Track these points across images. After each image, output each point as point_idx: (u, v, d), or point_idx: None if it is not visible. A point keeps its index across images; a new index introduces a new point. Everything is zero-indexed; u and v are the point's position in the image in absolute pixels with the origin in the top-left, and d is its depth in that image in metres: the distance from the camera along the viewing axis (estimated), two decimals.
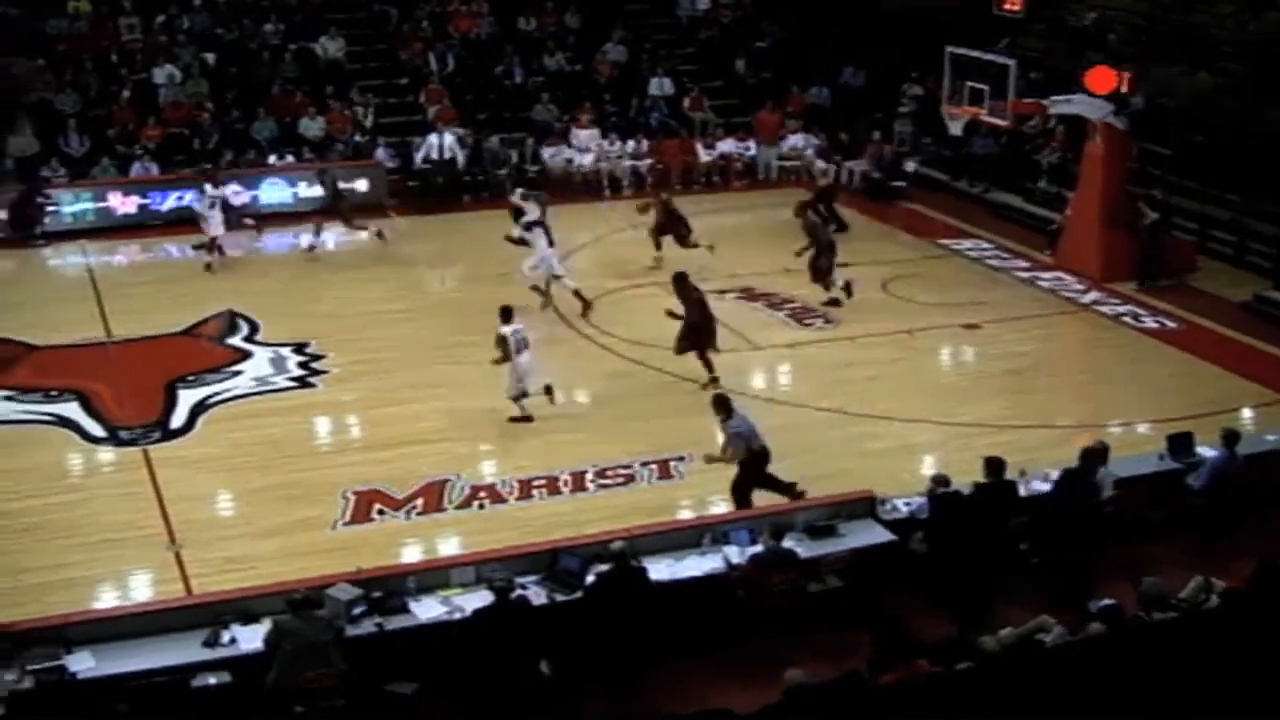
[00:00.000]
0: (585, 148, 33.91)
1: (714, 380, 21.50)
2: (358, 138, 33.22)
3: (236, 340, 23.88)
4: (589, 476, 19.05)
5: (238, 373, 22.61)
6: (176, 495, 18.65)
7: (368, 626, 14.10)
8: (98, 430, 20.67)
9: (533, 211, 25.86)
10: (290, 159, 32.33)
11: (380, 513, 18.07)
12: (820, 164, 32.00)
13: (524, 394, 20.83)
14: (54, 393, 21.79)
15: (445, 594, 14.69)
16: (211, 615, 14.23)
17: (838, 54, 37.52)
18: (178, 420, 21.00)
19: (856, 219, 31.50)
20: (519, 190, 27.63)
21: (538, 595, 14.65)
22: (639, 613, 14.41)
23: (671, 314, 22.12)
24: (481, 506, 18.43)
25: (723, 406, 17.69)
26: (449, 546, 17.45)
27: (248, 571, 16.27)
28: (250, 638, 13.81)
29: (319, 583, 14.42)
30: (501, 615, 13.93)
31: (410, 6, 37.08)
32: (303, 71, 34.73)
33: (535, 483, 18.89)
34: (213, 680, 13.47)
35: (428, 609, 14.45)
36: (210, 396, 21.73)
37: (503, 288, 24.61)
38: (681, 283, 22.24)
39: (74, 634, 13.96)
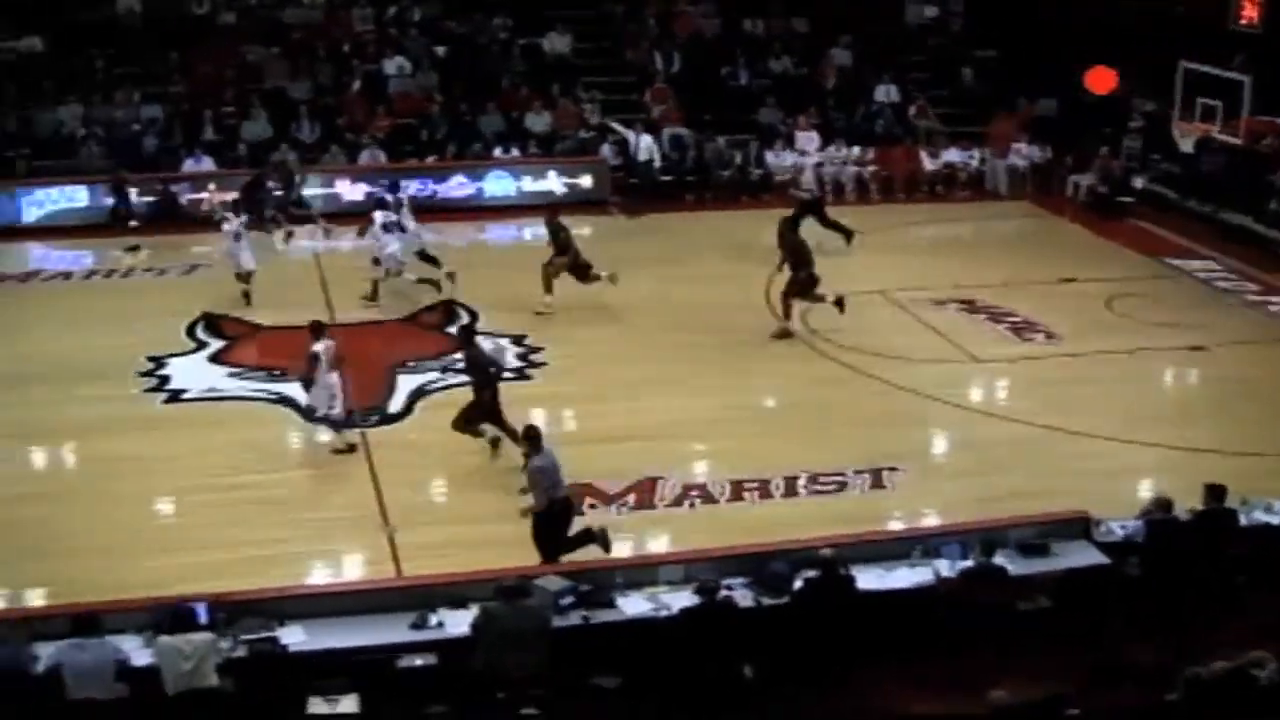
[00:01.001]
0: (809, 152, 33.77)
1: None
2: (582, 134, 33.46)
3: (456, 329, 24.16)
4: (801, 482, 18.93)
5: (458, 361, 22.86)
6: (393, 479, 18.96)
7: (574, 618, 14.16)
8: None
9: None
10: (515, 153, 32.65)
11: (591, 506, 18.10)
12: (807, 177, 31.18)
13: (340, 420, 19.88)
14: (278, 372, 22.27)
15: (652, 591, 14.70)
16: (421, 598, 14.42)
17: (1069, 66, 36.83)
18: (396, 405, 21.36)
19: (1081, 234, 30.98)
20: None
21: (744, 598, 14.58)
22: (845, 621, 14.29)
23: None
24: (693, 506, 18.41)
25: (532, 440, 16.52)
26: (658, 544, 17.49)
27: (457, 557, 16.39)
28: (457, 622, 13.94)
29: (529, 572, 14.53)
30: (707, 616, 13.90)
31: (638, 5, 37.26)
32: (530, 67, 35.08)
33: (747, 485, 18.82)
34: (419, 661, 13.64)
35: (634, 605, 14.48)
36: (429, 383, 22.05)
37: (716, 287, 24.63)
38: None
39: (287, 608, 14.28)
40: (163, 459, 19.58)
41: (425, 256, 26.33)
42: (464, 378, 21.62)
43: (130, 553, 17.07)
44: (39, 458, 20.25)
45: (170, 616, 13.53)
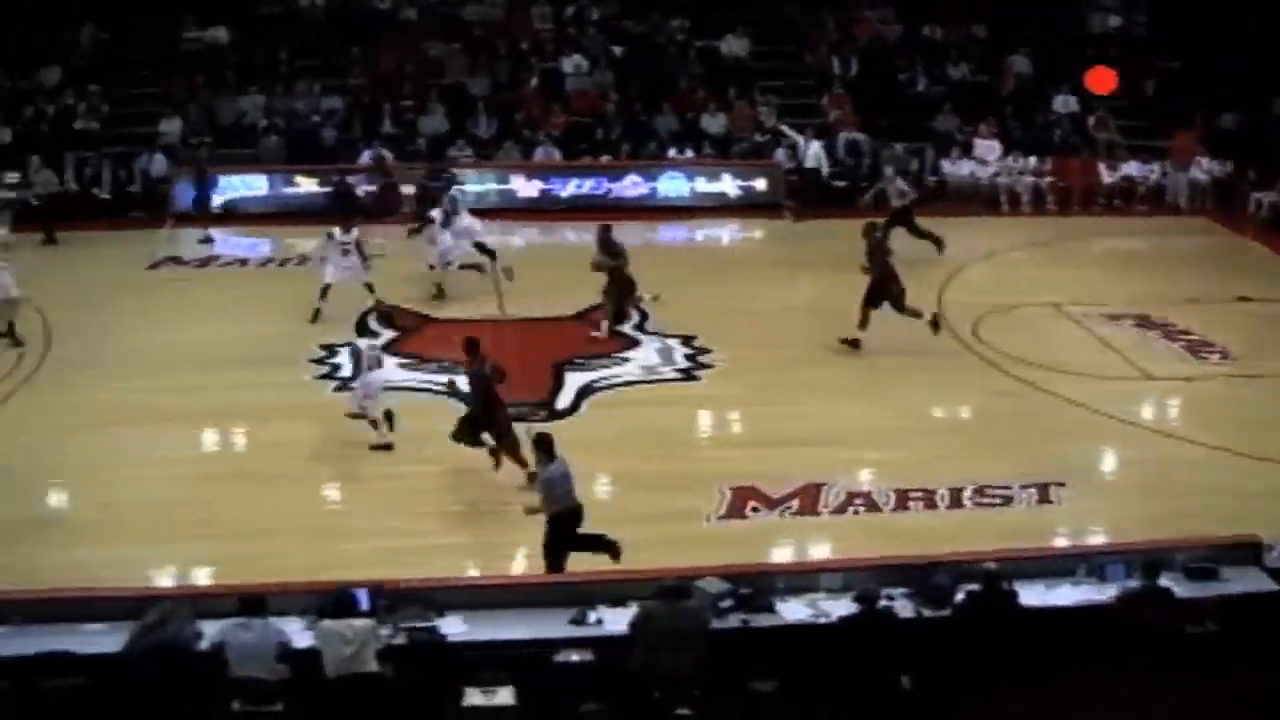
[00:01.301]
0: (986, 160, 33.39)
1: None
2: (757, 137, 33.36)
3: (626, 328, 24.20)
4: (967, 494, 18.67)
5: (625, 360, 22.96)
6: None
7: (733, 621, 14.07)
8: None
9: None
10: (690, 154, 32.66)
11: (755, 510, 18.07)
12: (900, 183, 30.12)
13: (371, 415, 19.82)
14: (448, 364, 22.45)
15: (812, 597, 14.56)
16: (581, 594, 14.42)
17: (1256, 80, 36.02)
18: (564, 401, 21.45)
19: (1261, 252, 30.30)
20: None
21: (905, 608, 14.41)
22: (1006, 636, 14.08)
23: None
24: (856, 513, 18.26)
25: (543, 448, 16.37)
26: (820, 550, 17.39)
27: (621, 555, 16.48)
28: (616, 620, 13.92)
29: (690, 573, 14.48)
30: (866, 624, 13.77)
31: (817, 9, 37.05)
32: (707, 68, 35.06)
33: (912, 495, 18.61)
34: (575, 657, 13.62)
35: (794, 610, 14.36)
36: (597, 381, 22.11)
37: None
38: None
39: (449, 598, 14.35)
40: (334, 445, 19.91)
41: (483, 249, 26.37)
42: (632, 376, 21.80)
43: (296, 536, 17.35)
44: (213, 439, 20.65)
45: (333, 601, 13.67)
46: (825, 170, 32.17)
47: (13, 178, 30.91)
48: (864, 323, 23.30)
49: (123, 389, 21.74)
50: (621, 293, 24.47)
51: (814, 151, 32.06)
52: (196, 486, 18.69)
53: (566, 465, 16.36)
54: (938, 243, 28.57)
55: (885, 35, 36.83)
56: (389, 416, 19.96)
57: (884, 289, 23.27)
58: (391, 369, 21.33)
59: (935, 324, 23.37)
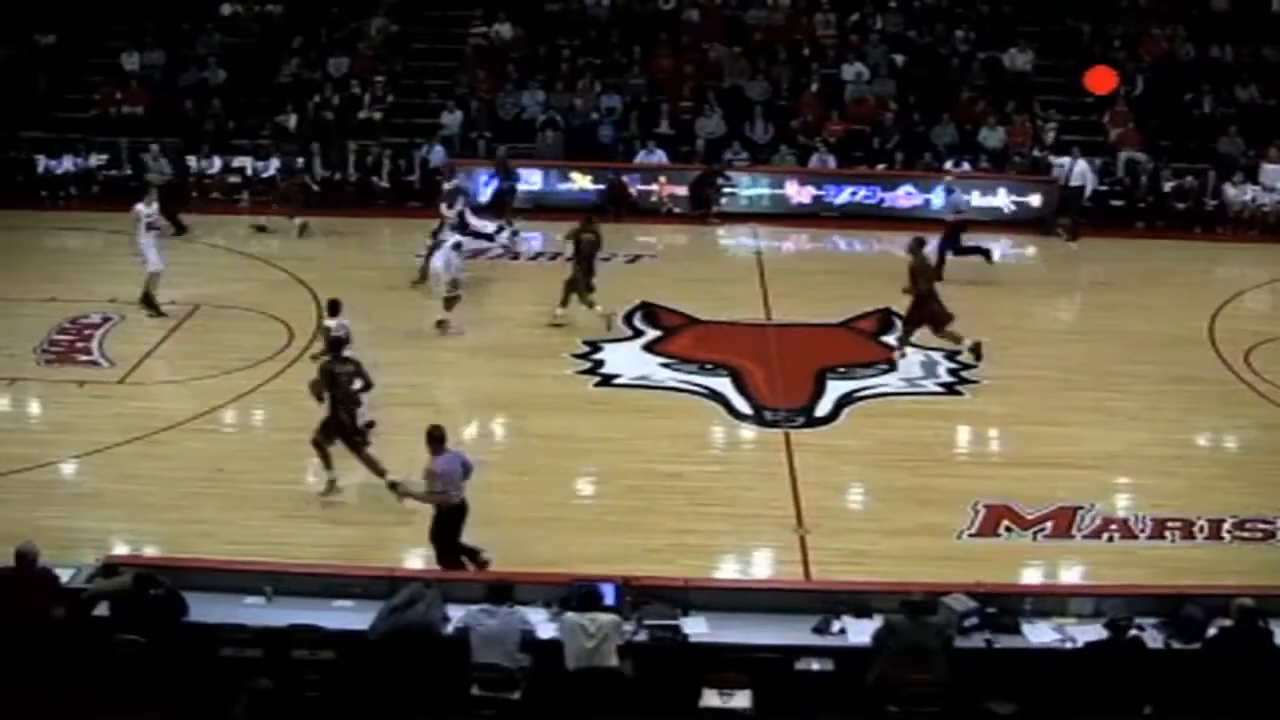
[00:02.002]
0: (1272, 186, 32.26)
1: None
2: (1036, 152, 32.76)
3: (891, 339, 23.98)
4: (1226, 526, 18.06)
5: (888, 371, 22.75)
6: (811, 481, 18.98)
7: (977, 640, 13.87)
8: (745, 408, 21.27)
9: None
10: (966, 166, 32.22)
11: (1008, 529, 17.78)
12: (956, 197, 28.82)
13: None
14: (709, 366, 22.55)
15: (1060, 621, 14.27)
16: (826, 603, 14.35)
17: None
18: (823, 409, 21.33)
19: None
20: None
21: (1154, 639, 14.03)
22: (1258, 675, 13.60)
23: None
24: (1111, 539, 17.81)
25: (434, 441, 16.18)
26: (1071, 574, 17.05)
27: (867, 566, 16.38)
28: (860, 631, 13.82)
29: (936, 589, 14.29)
30: (1114, 653, 13.45)
31: (1104, 25, 36.21)
32: (989, 80, 34.53)
33: (1170, 524, 18.08)
34: (816, 666, 13.58)
35: (1040, 633, 14.10)
36: (858, 390, 21.95)
37: (1158, 319, 23.84)
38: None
39: (693, 598, 14.42)
40: (589, 440, 20.11)
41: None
42: (894, 387, 21.63)
43: (548, 527, 17.58)
44: (475, 428, 21.02)
45: (578, 594, 13.81)
46: (1090, 189, 31.33)
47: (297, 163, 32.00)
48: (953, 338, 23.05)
49: (390, 372, 22.16)
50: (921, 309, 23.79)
51: (1079, 170, 31.23)
52: None
53: (461, 462, 16.25)
54: (986, 255, 28.04)
55: (1174, 54, 35.80)
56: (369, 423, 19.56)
57: (922, 308, 22.94)
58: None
59: (977, 352, 22.94)
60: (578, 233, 24.68)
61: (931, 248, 24.57)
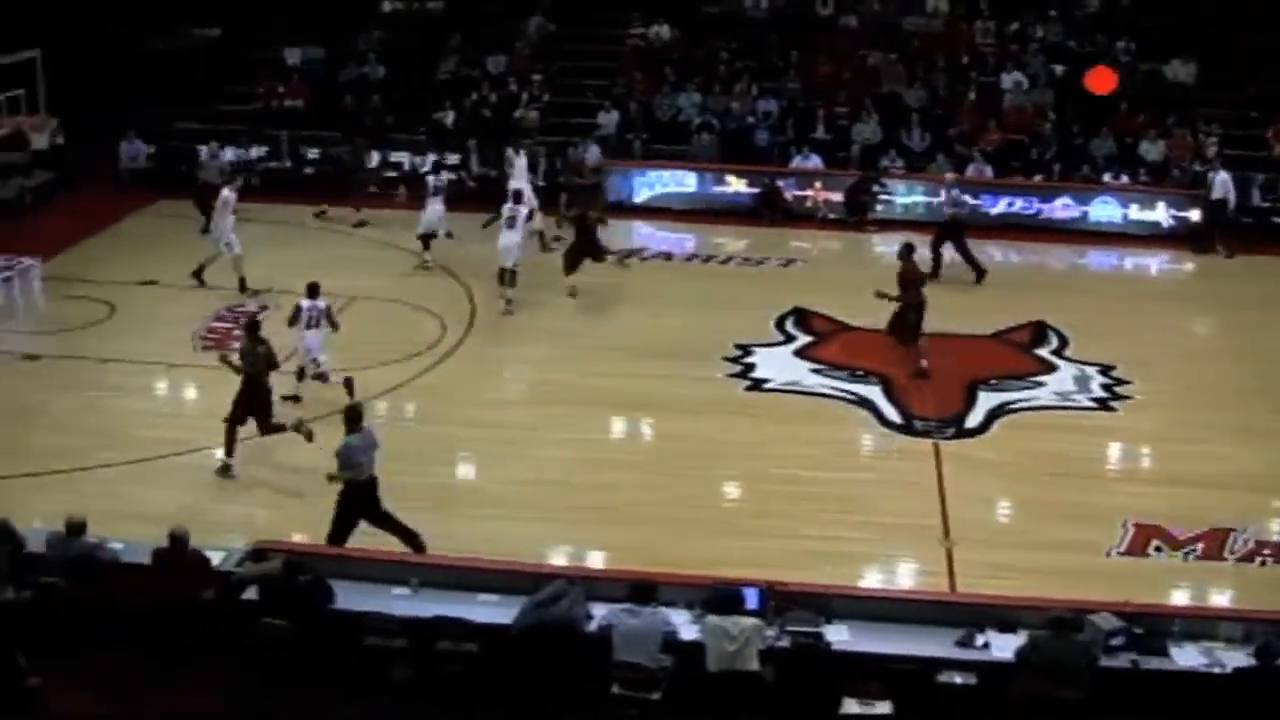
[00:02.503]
0: None
1: None
2: (1196, 166, 32.18)
3: (1044, 352, 23.74)
4: None
5: (1040, 384, 22.49)
6: (959, 493, 18.82)
7: (1122, 660, 13.65)
8: (894, 416, 21.15)
9: None
10: (1125, 179, 31.76)
11: (1157, 549, 17.50)
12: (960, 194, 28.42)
13: (316, 373, 20.79)
14: (860, 373, 22.44)
15: (1208, 645, 14.00)
16: (970, 616, 14.23)
17: None
18: (974, 420, 21.15)
19: None
20: None
21: None
22: None
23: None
24: (1264, 563, 17.44)
25: (351, 419, 16.59)
26: (1221, 598, 16.71)
27: (1013, 581, 16.17)
28: (1003, 646, 13.68)
29: (1083, 606, 14.10)
30: (1261, 679, 13.19)
31: (1270, 37, 35.45)
32: (1149, 92, 34.00)
33: None
34: (958, 679, 13.46)
35: (1187, 656, 13.83)
36: (1009, 403, 21.72)
37: None
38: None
39: (837, 605, 14.36)
40: (737, 444, 20.08)
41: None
42: (1045, 401, 21.40)
43: (693, 529, 17.59)
44: (623, 427, 21.15)
45: (721, 597, 13.81)
46: (1232, 201, 30.63)
47: (453, 159, 32.32)
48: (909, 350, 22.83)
49: (540, 369, 22.38)
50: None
51: (1221, 180, 30.54)
52: (601, 471, 19.16)
53: (373, 439, 16.60)
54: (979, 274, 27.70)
55: None
56: (348, 384, 20.60)
57: (905, 317, 22.82)
58: (319, 334, 21.02)
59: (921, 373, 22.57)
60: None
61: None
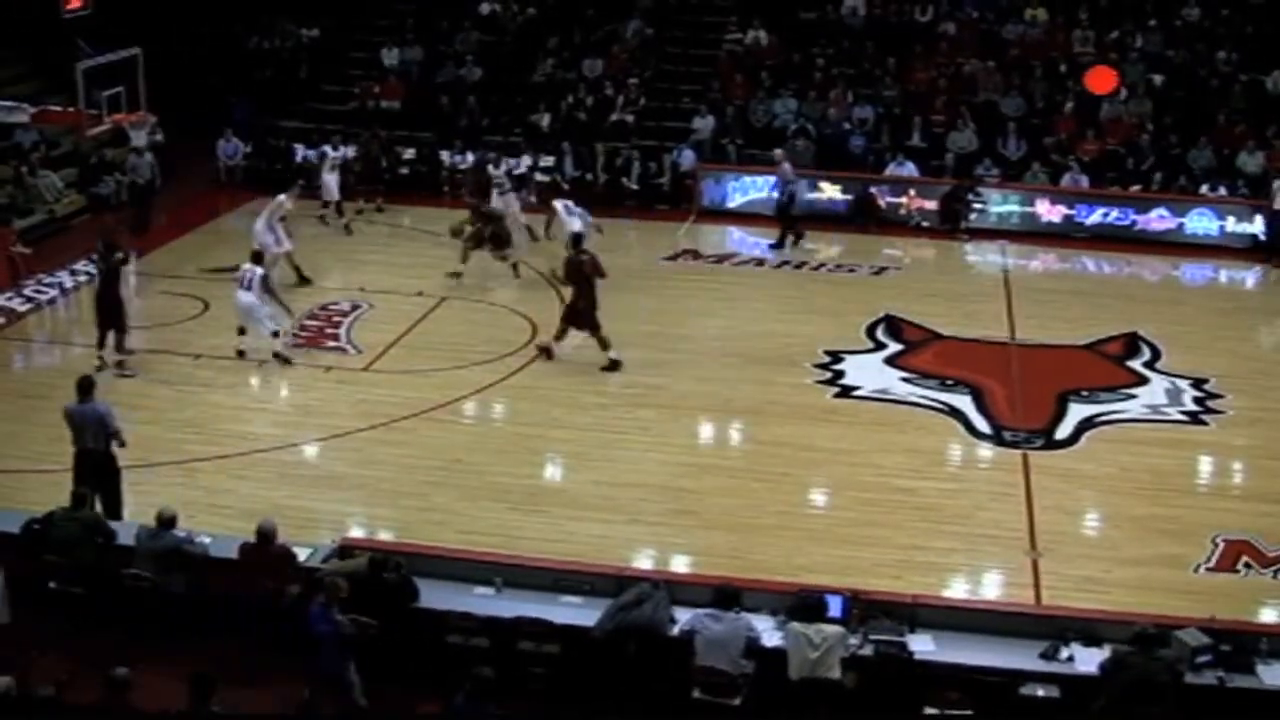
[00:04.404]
0: None
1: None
2: None
3: (1136, 364, 23.52)
4: None
5: (1131, 396, 22.28)
6: (1047, 505, 18.64)
7: (1208, 677, 13.54)
8: (984, 427, 20.99)
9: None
10: (1223, 191, 31.40)
11: (1246, 565, 17.26)
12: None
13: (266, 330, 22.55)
14: (950, 382, 22.33)
15: None
16: (1055, 629, 14.17)
17: None
18: (1063, 432, 20.94)
19: None
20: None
21: None
22: None
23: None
24: None
25: (82, 389, 16.96)
26: None
27: (1099, 594, 16.08)
28: (1088, 660, 13.61)
29: (1169, 622, 13.99)
30: None
31: None
32: (1250, 104, 33.60)
33: None
34: (1040, 692, 13.40)
35: (1274, 674, 13.68)
36: (1100, 415, 21.51)
37: None
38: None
39: (921, 615, 14.35)
40: (825, 451, 20.04)
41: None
42: (1136, 413, 21.23)
43: (778, 535, 17.58)
44: (711, 431, 21.14)
45: (805, 604, 13.82)
46: None
47: (547, 161, 32.48)
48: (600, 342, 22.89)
49: (629, 372, 22.41)
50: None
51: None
52: (687, 475, 19.14)
53: (98, 410, 16.90)
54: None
55: None
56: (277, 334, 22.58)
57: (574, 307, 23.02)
58: (256, 296, 22.47)
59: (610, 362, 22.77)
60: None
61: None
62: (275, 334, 22.68)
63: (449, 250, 26.78)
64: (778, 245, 29.38)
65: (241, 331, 22.80)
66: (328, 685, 13.46)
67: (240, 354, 22.75)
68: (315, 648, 13.42)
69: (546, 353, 22.89)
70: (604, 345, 22.63)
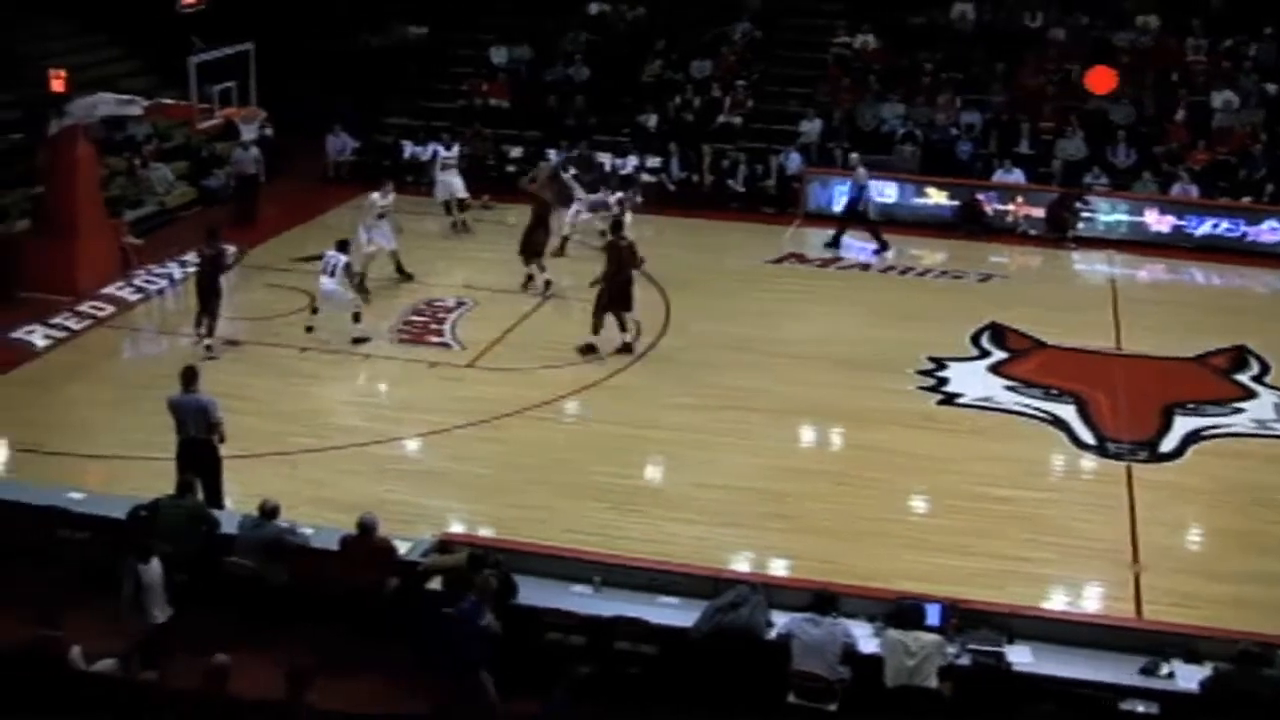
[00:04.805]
0: None
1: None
2: None
3: (1244, 377, 23.22)
4: None
5: (1239, 410, 22.01)
6: (1150, 518, 18.45)
7: None
8: (1087, 437, 20.80)
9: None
10: None
11: None
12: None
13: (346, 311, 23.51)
14: (1054, 392, 22.15)
15: None
16: (1155, 644, 14.00)
17: None
18: (1168, 445, 20.70)
19: None
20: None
21: None
22: None
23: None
24: None
25: (186, 380, 17.36)
26: None
27: (1201, 610, 15.87)
28: (1189, 677, 13.43)
29: (1273, 640, 13.78)
30: None
31: None
32: None
33: None
34: (1140, 708, 13.25)
35: None
36: (1206, 428, 21.25)
37: None
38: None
39: (1020, 626, 14.23)
40: (926, 458, 19.91)
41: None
42: (1244, 428, 20.96)
43: (879, 542, 17.51)
44: (812, 435, 21.11)
45: (903, 611, 13.75)
46: None
47: (654, 162, 32.52)
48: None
49: (731, 375, 22.40)
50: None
51: None
52: (787, 479, 19.11)
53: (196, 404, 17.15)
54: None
55: None
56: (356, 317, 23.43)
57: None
58: (337, 282, 23.44)
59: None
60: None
61: None
62: (357, 316, 23.39)
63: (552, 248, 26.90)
64: (881, 249, 29.31)
65: (314, 311, 23.78)
66: (461, 684, 13.46)
67: (309, 329, 23.66)
68: (444, 645, 13.47)
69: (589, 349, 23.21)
70: (597, 330, 23.25)
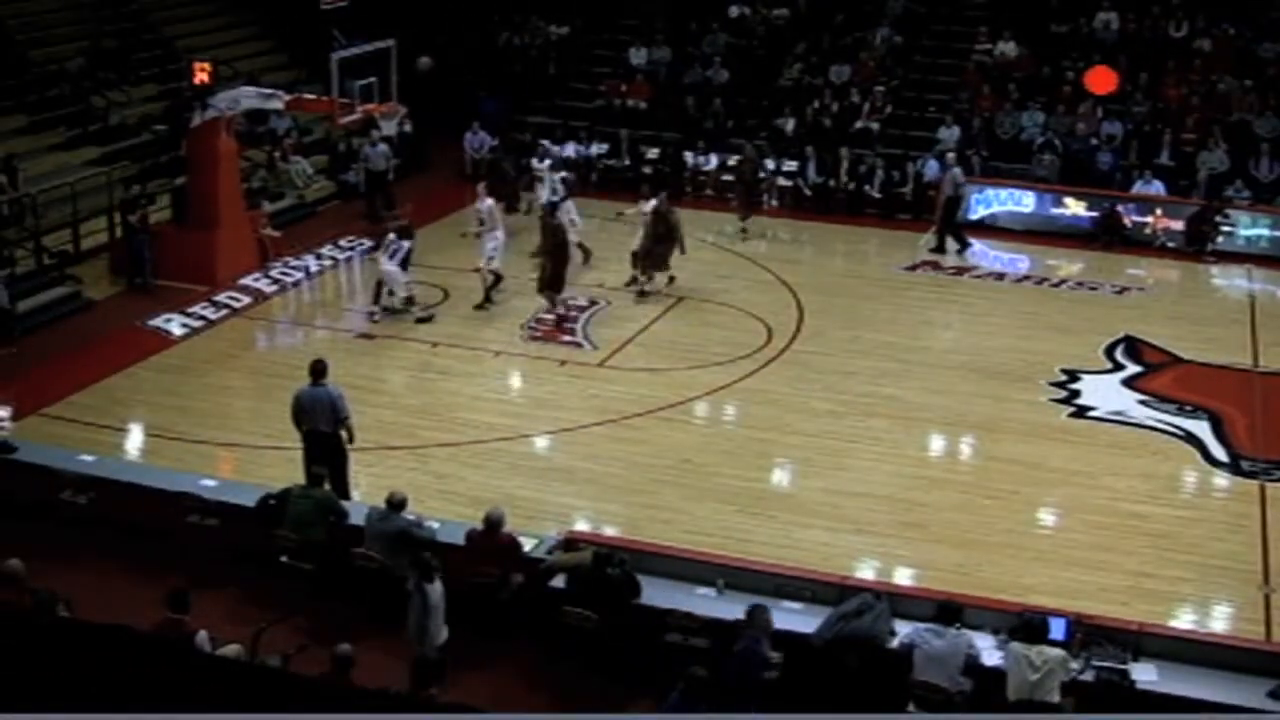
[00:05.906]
0: None
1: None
2: None
3: None
4: None
5: None
6: None
7: None
8: (1221, 455, 20.52)
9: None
10: None
11: None
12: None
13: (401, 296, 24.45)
14: (1189, 408, 21.87)
15: None
16: None
17: None
18: None
19: None
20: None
21: None
22: None
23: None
24: None
25: (315, 373, 17.58)
26: None
27: None
28: None
29: None
30: None
31: None
32: None
33: None
34: None
35: None
36: None
37: None
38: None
39: (1146, 644, 14.09)
40: (1057, 471, 19.78)
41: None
42: None
43: (1005, 553, 17.43)
44: (943, 445, 21.04)
45: (1027, 625, 13.67)
46: None
47: (790, 166, 32.53)
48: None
49: (862, 381, 22.36)
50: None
51: None
52: (916, 488, 19.07)
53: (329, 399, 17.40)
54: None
55: None
56: (410, 300, 24.35)
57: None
58: (396, 265, 24.41)
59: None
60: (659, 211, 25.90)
61: None
62: (409, 300, 24.24)
63: (689, 250, 26.96)
64: (938, 249, 29.35)
65: (387, 292, 24.64)
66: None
67: (387, 310, 24.57)
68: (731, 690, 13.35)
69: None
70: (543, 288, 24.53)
